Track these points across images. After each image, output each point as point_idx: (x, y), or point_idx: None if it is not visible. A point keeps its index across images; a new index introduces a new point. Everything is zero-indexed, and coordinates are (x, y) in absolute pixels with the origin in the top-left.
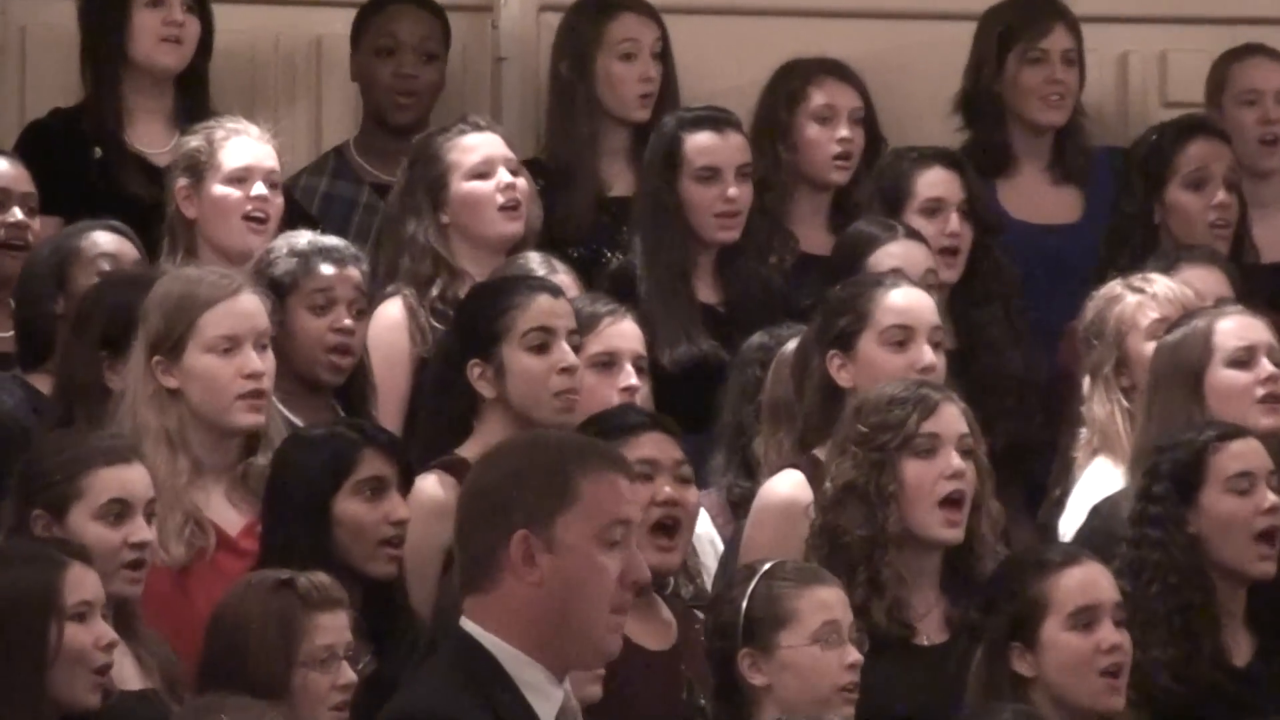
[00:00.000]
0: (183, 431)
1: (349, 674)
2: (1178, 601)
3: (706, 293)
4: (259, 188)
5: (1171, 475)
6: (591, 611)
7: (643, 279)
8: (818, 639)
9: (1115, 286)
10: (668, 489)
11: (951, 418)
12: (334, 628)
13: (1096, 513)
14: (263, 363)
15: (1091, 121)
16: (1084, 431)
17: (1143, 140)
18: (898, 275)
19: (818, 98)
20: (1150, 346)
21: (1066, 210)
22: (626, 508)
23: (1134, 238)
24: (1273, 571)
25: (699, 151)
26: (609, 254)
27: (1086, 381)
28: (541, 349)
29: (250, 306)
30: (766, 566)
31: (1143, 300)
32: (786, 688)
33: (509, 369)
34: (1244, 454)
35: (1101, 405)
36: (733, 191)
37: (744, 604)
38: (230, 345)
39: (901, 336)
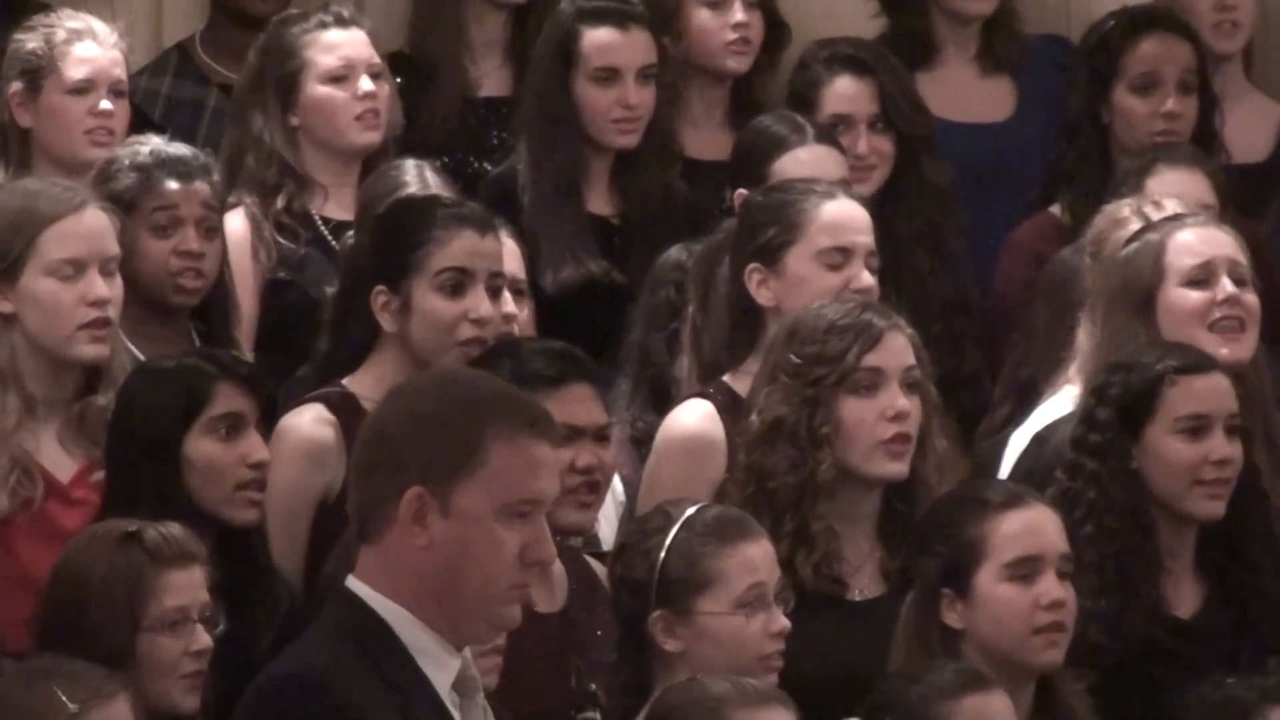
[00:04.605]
0: (14, 364)
1: (204, 639)
2: (1114, 546)
3: (599, 204)
4: (105, 101)
5: (1118, 402)
6: (483, 586)
7: (526, 189)
8: (742, 604)
9: (1123, 208)
10: (588, 457)
11: (897, 349)
12: (187, 586)
13: (1039, 441)
14: (109, 289)
15: (1028, 6)
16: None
17: (1095, 29)
18: (834, 185)
19: None
20: None
21: (997, 106)
22: (540, 484)
23: (1080, 140)
24: (1222, 511)
25: (598, 49)
26: (477, 162)
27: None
28: (455, 291)
29: (97, 225)
30: (686, 514)
31: None
32: (703, 655)
33: (415, 307)
34: (1202, 393)
35: (1089, 336)
36: (633, 97)
37: (659, 560)
38: (73, 269)
39: (839, 258)
